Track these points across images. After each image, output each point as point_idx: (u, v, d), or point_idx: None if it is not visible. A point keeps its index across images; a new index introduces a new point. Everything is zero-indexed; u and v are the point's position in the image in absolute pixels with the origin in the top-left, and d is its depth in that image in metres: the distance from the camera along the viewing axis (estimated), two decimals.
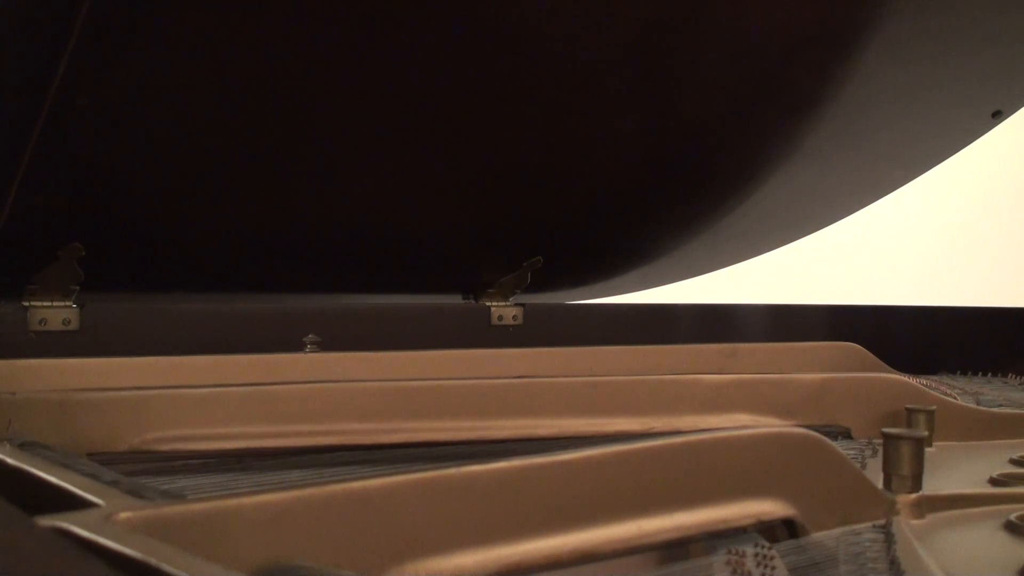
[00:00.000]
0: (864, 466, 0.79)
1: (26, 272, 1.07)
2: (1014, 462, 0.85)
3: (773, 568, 0.54)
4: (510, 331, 1.40)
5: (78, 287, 1.10)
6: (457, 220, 1.37)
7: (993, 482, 0.76)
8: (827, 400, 0.99)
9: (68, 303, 1.10)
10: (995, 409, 1.02)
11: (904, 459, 0.67)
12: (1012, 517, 0.65)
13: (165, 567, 0.36)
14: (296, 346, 1.18)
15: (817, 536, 0.60)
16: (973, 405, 1.03)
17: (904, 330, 1.51)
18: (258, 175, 1.15)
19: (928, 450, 0.76)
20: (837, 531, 0.61)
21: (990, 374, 1.36)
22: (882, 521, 0.63)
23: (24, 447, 0.69)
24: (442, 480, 0.51)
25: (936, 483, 0.72)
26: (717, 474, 0.59)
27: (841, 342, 1.36)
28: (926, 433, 0.83)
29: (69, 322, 1.10)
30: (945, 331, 1.48)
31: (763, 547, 0.56)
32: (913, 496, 0.66)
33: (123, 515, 0.44)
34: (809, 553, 0.58)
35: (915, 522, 0.65)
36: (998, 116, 1.42)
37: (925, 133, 1.46)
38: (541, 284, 1.45)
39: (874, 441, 0.90)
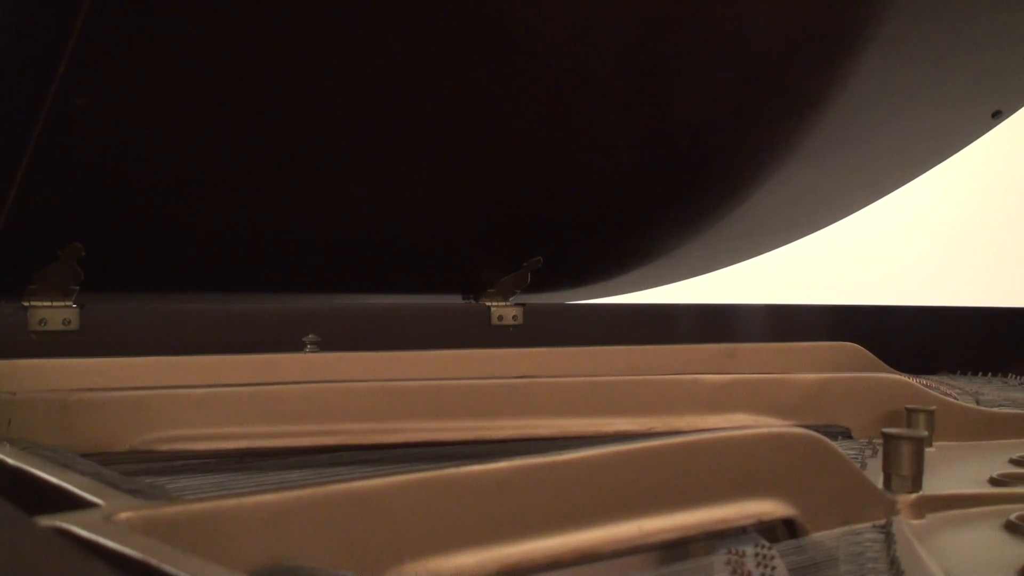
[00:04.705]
0: (864, 466, 0.79)
1: (26, 272, 1.07)
2: (1014, 462, 0.85)
3: (773, 568, 0.54)
4: (510, 331, 1.40)
5: (78, 287, 1.10)
6: (457, 220, 1.37)
7: (993, 482, 0.76)
8: (827, 400, 0.99)
9: (68, 303, 1.10)
10: (995, 409, 1.02)
11: (904, 459, 0.67)
12: (1012, 517, 0.65)
13: (165, 567, 0.37)
14: (296, 346, 1.18)
15: (817, 536, 0.60)
16: (973, 405, 1.03)
17: (904, 330, 1.51)
18: (258, 175, 1.15)
19: (928, 450, 0.76)
20: (837, 531, 0.61)
21: (990, 374, 1.36)
22: (882, 521, 0.63)
23: (24, 447, 0.69)
24: (442, 480, 0.51)
25: (936, 483, 0.72)
26: (717, 474, 0.59)
27: (841, 342, 1.36)
28: (926, 433, 0.83)
29: (69, 322, 1.10)
30: (945, 331, 1.48)
31: (763, 547, 0.57)
32: (913, 496, 0.66)
33: (123, 515, 0.44)
34: (809, 553, 0.58)
35: (915, 522, 0.65)
36: (998, 116, 1.42)
37: (925, 133, 1.46)
38: (541, 284, 1.45)
39: (874, 441, 0.90)
